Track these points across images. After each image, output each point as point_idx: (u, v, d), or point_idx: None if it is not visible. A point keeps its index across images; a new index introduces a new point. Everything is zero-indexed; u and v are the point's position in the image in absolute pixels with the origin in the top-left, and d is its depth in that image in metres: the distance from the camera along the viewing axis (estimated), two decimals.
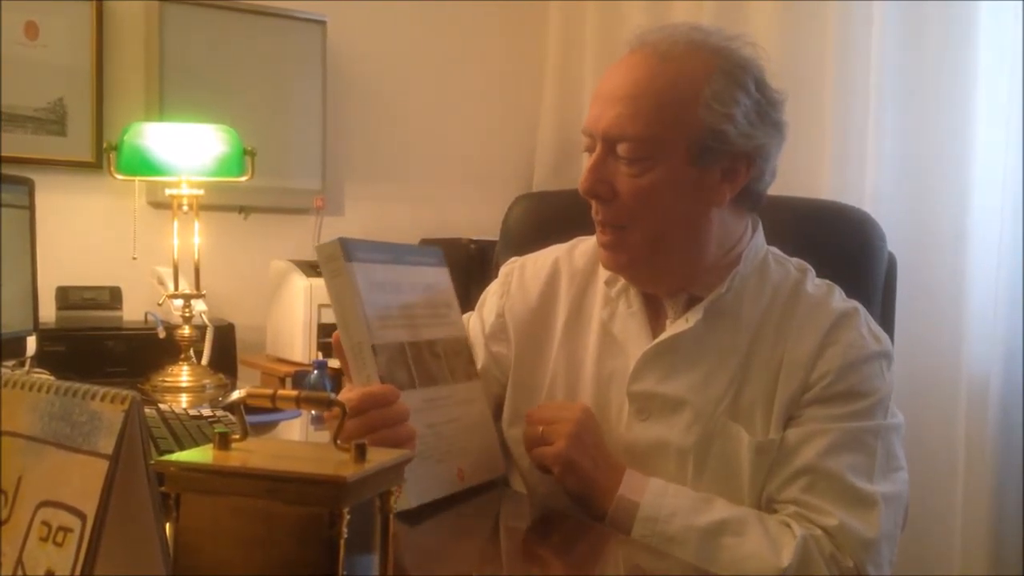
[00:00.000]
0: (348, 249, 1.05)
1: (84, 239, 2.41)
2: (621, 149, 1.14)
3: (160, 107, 2.45)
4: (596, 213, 1.19)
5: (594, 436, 1.16)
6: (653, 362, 1.19)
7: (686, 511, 1.08)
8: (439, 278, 1.21)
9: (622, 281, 1.25)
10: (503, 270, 1.37)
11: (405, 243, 1.22)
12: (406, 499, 1.01)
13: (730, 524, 1.07)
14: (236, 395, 0.73)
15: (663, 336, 1.19)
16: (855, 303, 1.20)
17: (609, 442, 1.18)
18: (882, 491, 1.09)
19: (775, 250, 1.26)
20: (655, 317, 1.23)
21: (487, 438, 1.21)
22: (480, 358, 1.28)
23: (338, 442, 0.70)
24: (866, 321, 1.18)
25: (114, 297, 2.28)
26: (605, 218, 1.18)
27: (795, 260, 1.25)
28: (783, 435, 1.12)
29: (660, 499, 1.09)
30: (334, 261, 1.05)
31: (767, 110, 1.17)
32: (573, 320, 1.28)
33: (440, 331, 1.17)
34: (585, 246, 1.34)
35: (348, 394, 1.03)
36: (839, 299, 1.20)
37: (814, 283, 1.22)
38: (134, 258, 2.14)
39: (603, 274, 1.28)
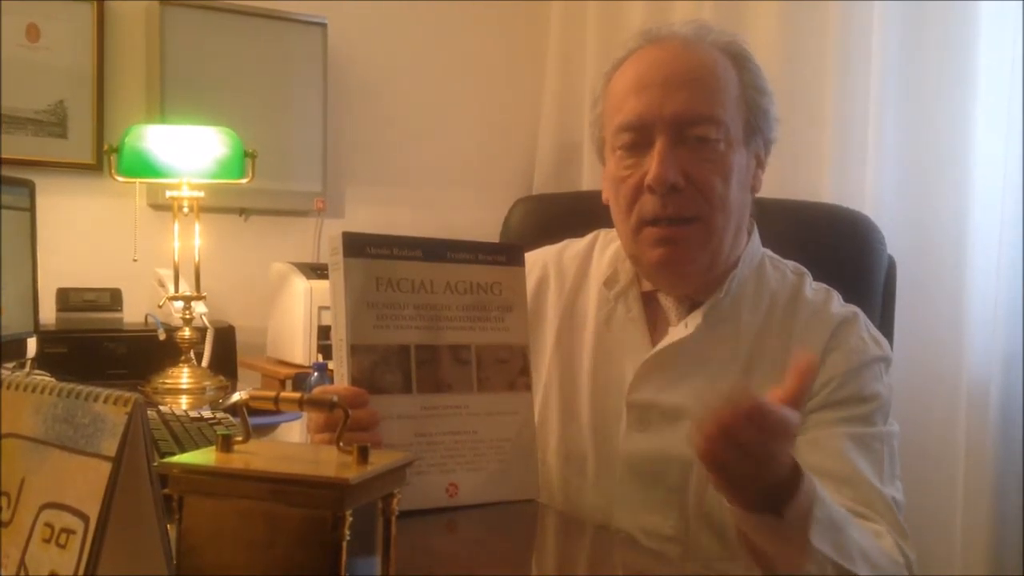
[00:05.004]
0: (350, 244, 1.03)
1: (85, 241, 2.41)
2: (696, 132, 1.11)
3: (161, 109, 2.45)
4: (660, 208, 1.12)
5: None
6: (652, 371, 1.17)
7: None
8: (503, 278, 1.12)
9: (623, 282, 1.23)
10: None
11: (466, 239, 1.13)
12: None
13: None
14: (238, 397, 0.73)
15: (662, 344, 1.17)
16: (854, 308, 1.20)
17: (608, 452, 1.16)
18: (894, 495, 1.09)
19: (770, 253, 1.25)
20: (652, 321, 1.22)
21: (510, 455, 1.10)
22: None
23: (340, 444, 0.70)
24: (866, 325, 1.18)
25: (114, 299, 2.29)
26: (676, 210, 1.12)
27: (791, 263, 1.24)
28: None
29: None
30: (335, 255, 1.04)
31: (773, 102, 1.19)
32: (566, 325, 1.26)
33: (480, 336, 1.09)
34: (575, 249, 1.32)
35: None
36: (838, 304, 1.20)
37: (812, 288, 1.21)
38: (135, 260, 2.13)
39: (596, 276, 1.26)
